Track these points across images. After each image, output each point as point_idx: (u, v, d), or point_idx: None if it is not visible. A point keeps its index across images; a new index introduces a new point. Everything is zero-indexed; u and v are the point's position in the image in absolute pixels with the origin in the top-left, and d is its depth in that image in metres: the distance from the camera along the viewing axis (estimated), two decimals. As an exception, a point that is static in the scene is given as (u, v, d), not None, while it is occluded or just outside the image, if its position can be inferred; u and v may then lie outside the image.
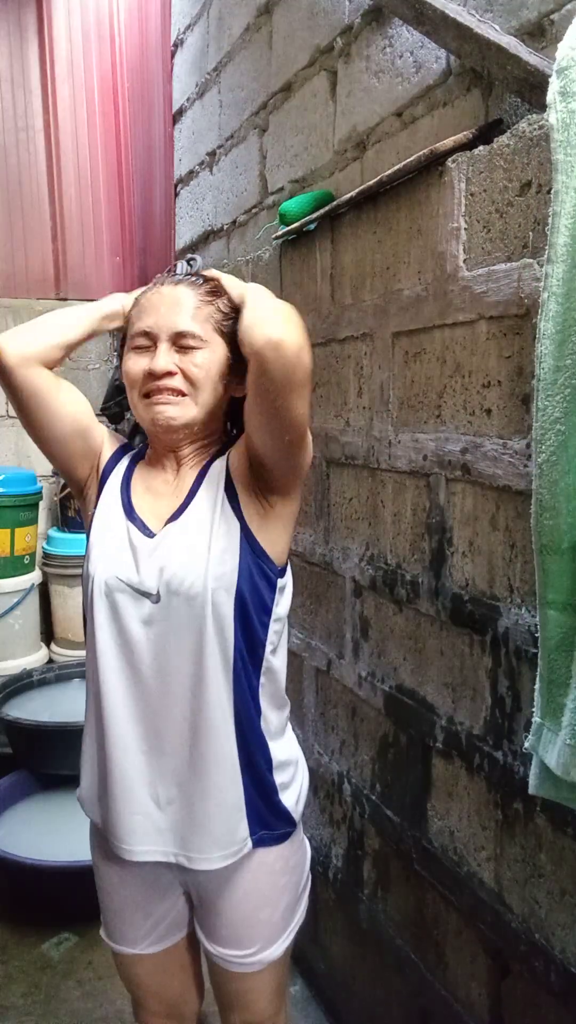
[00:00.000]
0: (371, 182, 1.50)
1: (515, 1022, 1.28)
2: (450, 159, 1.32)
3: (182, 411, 1.16)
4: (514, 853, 1.25)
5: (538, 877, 1.20)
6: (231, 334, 1.17)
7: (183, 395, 1.16)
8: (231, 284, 1.18)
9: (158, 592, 1.14)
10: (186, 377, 1.15)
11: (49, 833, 2.39)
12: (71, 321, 1.22)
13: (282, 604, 1.22)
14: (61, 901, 2.28)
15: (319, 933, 1.90)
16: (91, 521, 1.24)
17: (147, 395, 1.16)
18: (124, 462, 1.28)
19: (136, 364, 1.17)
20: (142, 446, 1.32)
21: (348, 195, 1.59)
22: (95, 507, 1.24)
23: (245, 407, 1.12)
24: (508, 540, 1.24)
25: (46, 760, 2.56)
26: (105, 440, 1.29)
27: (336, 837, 1.86)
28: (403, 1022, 1.61)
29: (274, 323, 1.02)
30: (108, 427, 1.36)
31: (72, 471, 1.27)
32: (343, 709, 1.81)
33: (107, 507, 1.22)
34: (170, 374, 1.14)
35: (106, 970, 2.07)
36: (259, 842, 1.20)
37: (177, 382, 1.15)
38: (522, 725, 1.22)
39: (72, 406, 1.22)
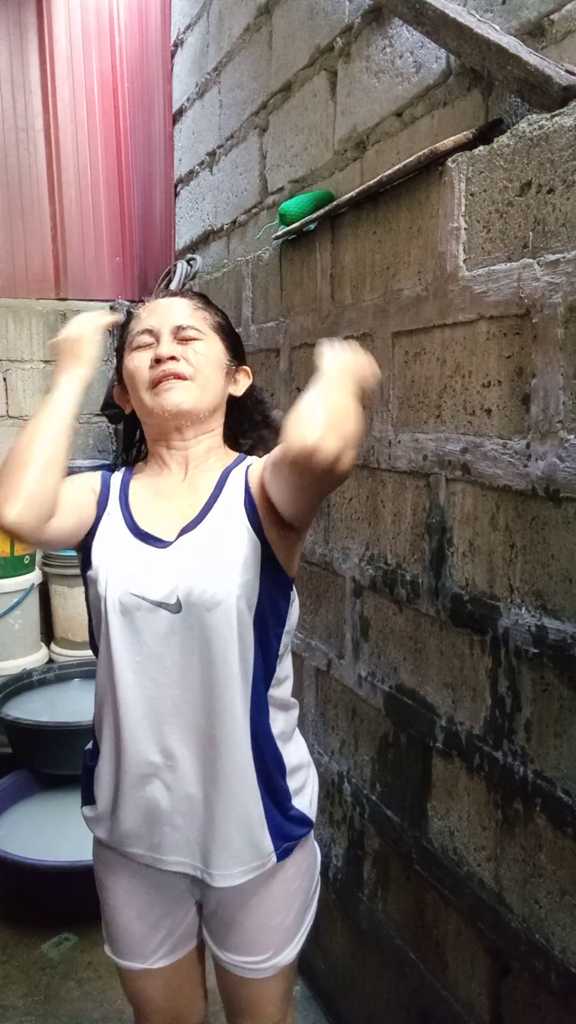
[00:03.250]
0: (371, 182, 1.50)
1: (515, 1022, 1.28)
2: (450, 159, 1.32)
3: (187, 395, 1.19)
4: (514, 853, 1.25)
5: (538, 877, 1.20)
6: (225, 334, 1.25)
7: (186, 379, 1.19)
8: (327, 365, 1.00)
9: (178, 602, 1.13)
10: (188, 362, 1.20)
11: (49, 833, 2.39)
12: (54, 430, 1.12)
13: (292, 616, 1.23)
14: (61, 901, 2.28)
15: (319, 933, 1.90)
16: (90, 544, 1.20)
17: (153, 386, 1.19)
18: (115, 484, 1.26)
19: (141, 360, 1.21)
20: (124, 463, 1.32)
21: (348, 195, 1.59)
22: (95, 528, 1.21)
23: (269, 470, 1.09)
24: (508, 540, 1.24)
25: (46, 760, 2.56)
26: (93, 491, 1.24)
27: (336, 837, 1.86)
28: (403, 1022, 1.61)
29: (316, 423, 0.89)
30: (108, 429, 1.36)
31: (74, 545, 1.24)
32: (343, 709, 1.81)
33: (109, 528, 1.21)
34: (174, 358, 1.18)
35: (106, 970, 2.07)
36: (283, 854, 1.20)
37: (181, 366, 1.19)
38: (522, 725, 1.22)
39: (74, 513, 1.18)
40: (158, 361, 1.18)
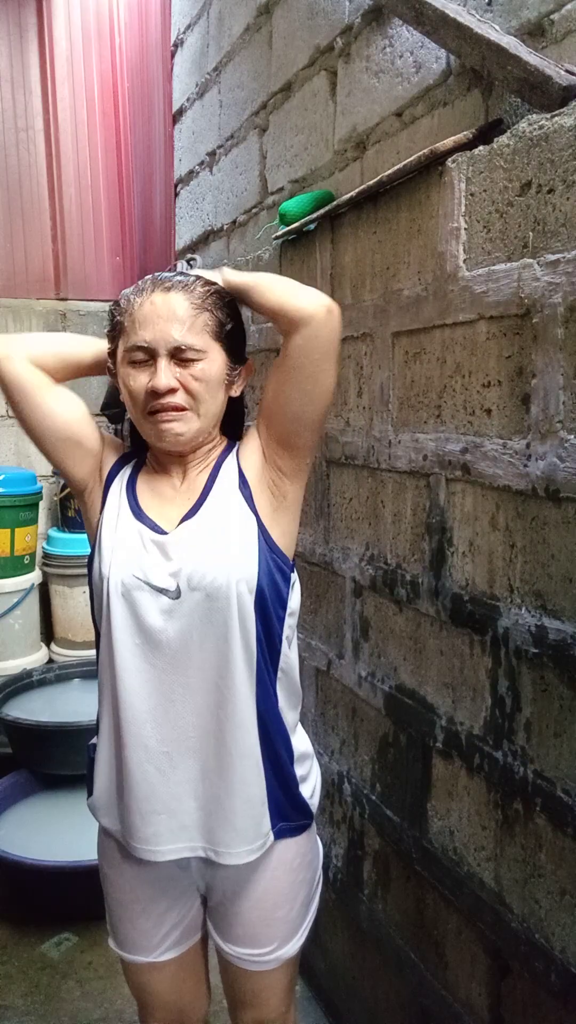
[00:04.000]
0: (371, 182, 1.50)
1: (515, 1022, 1.28)
2: (450, 159, 1.32)
3: (187, 426, 1.16)
4: (514, 853, 1.25)
5: (538, 877, 1.20)
6: (226, 338, 1.17)
7: (186, 410, 1.15)
8: (234, 277, 1.20)
9: (177, 588, 1.14)
10: (188, 391, 1.14)
11: (49, 833, 2.39)
12: (74, 340, 1.28)
13: (294, 598, 1.23)
14: (61, 901, 2.28)
15: (319, 933, 1.90)
16: (98, 524, 1.23)
17: (151, 412, 1.15)
18: (127, 469, 1.27)
19: (137, 381, 1.14)
20: (143, 453, 1.31)
21: (348, 195, 1.59)
22: (101, 511, 1.24)
23: (275, 381, 1.16)
24: (508, 540, 1.24)
25: (46, 760, 2.56)
26: (106, 445, 1.29)
27: (336, 837, 1.86)
28: (403, 1022, 1.61)
29: (312, 292, 1.12)
30: (108, 430, 1.35)
31: (69, 471, 1.26)
32: (343, 709, 1.81)
33: (114, 510, 1.22)
34: (172, 391, 1.13)
35: (106, 970, 2.07)
36: (279, 834, 1.21)
37: (179, 398, 1.13)
38: (522, 725, 1.22)
39: (64, 407, 1.22)
40: (155, 391, 1.12)
